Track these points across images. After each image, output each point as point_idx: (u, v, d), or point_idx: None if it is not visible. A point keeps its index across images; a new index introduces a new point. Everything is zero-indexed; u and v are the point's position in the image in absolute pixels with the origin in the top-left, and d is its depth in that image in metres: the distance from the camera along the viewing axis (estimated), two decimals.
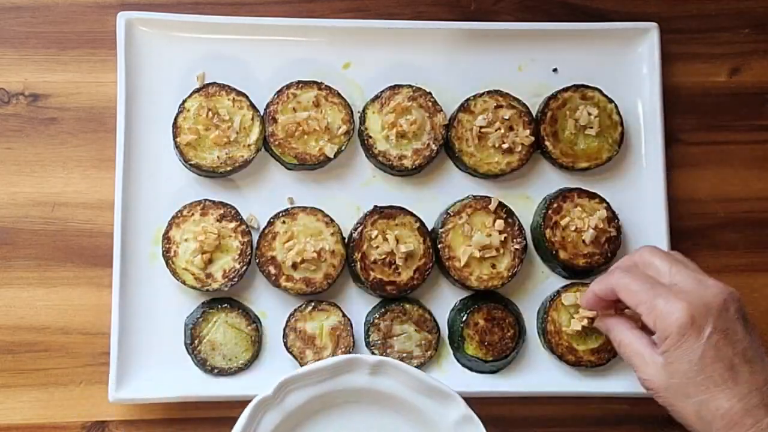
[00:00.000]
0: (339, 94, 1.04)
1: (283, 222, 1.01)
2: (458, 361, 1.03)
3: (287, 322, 1.01)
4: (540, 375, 1.03)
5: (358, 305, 1.03)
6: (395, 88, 1.05)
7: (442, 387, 0.95)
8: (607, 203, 1.04)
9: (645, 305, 0.86)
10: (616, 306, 0.94)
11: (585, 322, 1.00)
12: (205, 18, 1.05)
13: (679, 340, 0.84)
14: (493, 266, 1.02)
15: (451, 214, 1.03)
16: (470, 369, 1.03)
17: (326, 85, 1.04)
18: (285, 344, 1.01)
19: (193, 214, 1.01)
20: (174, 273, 1.00)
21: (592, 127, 1.05)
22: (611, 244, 1.03)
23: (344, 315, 1.01)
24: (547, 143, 1.05)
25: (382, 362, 0.94)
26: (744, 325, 0.85)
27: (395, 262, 1.01)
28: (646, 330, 0.90)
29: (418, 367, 1.01)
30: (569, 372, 1.03)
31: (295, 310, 1.01)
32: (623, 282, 0.89)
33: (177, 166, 1.03)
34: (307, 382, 0.94)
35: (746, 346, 0.84)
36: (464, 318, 1.01)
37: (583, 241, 1.03)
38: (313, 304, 1.01)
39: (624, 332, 0.91)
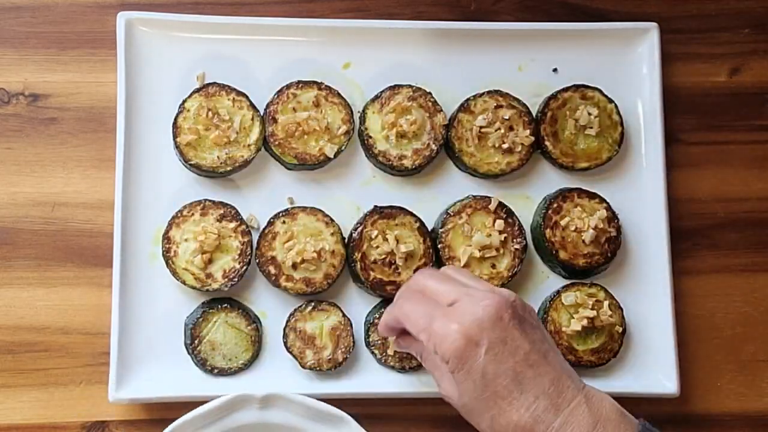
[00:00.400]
0: (339, 94, 1.04)
1: (283, 222, 1.01)
2: None
3: (287, 322, 1.01)
4: None
5: (358, 305, 1.03)
6: (395, 88, 1.05)
7: (332, 411, 0.94)
8: (607, 203, 1.04)
9: (425, 332, 0.86)
10: None
11: (585, 322, 1.00)
12: (205, 18, 1.05)
13: (459, 363, 0.83)
14: (493, 266, 1.02)
15: (451, 214, 1.03)
16: None
17: (326, 85, 1.04)
18: (285, 344, 1.00)
19: (193, 214, 1.01)
20: (174, 273, 1.00)
21: (592, 127, 1.05)
22: (611, 244, 1.03)
23: (344, 315, 1.01)
24: (547, 143, 1.05)
25: (270, 396, 0.94)
26: (522, 330, 0.84)
27: (395, 262, 1.01)
28: None
29: (418, 366, 1.01)
30: None
31: (295, 310, 1.01)
32: (404, 311, 0.89)
33: (177, 166, 1.03)
34: (197, 425, 0.93)
35: (528, 350, 0.83)
36: None
37: (583, 241, 1.02)
38: (313, 304, 1.01)
39: (422, 347, 0.91)
